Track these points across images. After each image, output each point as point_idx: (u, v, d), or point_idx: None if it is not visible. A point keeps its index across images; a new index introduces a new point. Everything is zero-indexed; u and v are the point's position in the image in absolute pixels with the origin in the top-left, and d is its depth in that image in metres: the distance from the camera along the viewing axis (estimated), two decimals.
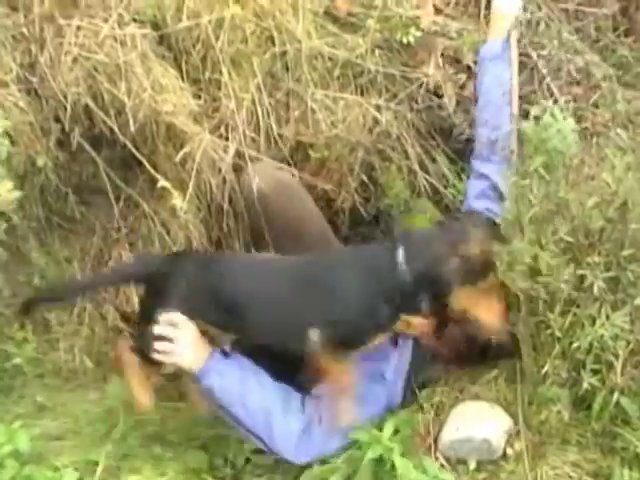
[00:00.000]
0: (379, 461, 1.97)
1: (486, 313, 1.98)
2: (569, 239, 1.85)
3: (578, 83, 2.68)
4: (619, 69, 2.75)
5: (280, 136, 2.55)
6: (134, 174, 2.47)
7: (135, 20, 2.40)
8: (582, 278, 1.86)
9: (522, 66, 2.58)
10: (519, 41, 2.56)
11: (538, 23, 2.59)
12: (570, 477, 1.93)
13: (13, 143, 2.17)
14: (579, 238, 1.87)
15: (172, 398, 2.37)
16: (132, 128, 2.30)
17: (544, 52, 2.62)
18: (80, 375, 2.35)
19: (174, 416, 2.28)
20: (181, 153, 2.37)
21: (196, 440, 2.23)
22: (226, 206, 2.49)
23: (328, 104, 2.59)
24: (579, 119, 2.42)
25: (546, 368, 1.88)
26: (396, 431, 2.00)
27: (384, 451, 1.96)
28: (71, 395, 2.25)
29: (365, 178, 2.68)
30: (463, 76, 2.65)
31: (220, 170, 2.44)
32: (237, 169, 2.49)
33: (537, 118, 2.26)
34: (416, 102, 2.68)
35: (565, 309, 1.86)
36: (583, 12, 2.74)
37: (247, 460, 2.21)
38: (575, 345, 1.84)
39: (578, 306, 1.87)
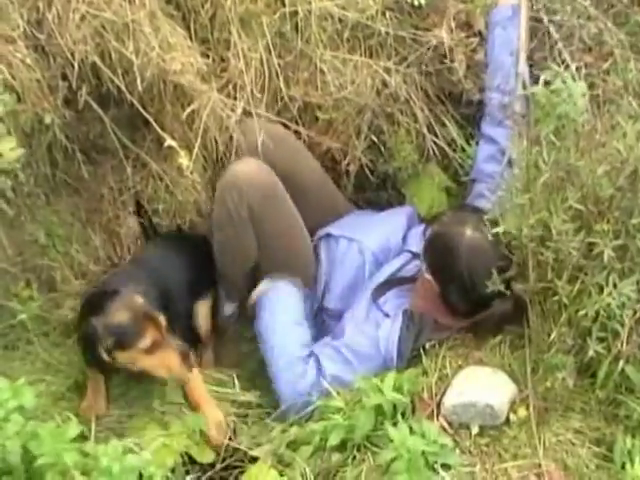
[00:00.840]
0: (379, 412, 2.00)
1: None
2: (579, 206, 1.83)
3: (590, 50, 2.65)
4: (632, 36, 2.72)
5: (288, 97, 2.53)
6: (141, 134, 2.45)
7: None
8: (591, 246, 1.85)
9: (534, 31, 2.56)
10: (531, 6, 2.53)
11: None
12: (573, 444, 1.93)
13: (20, 100, 2.15)
14: (588, 206, 1.86)
15: None
16: (139, 87, 2.27)
17: (556, 17, 2.59)
18: None
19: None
20: (188, 110, 2.36)
21: None
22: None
23: (337, 65, 2.58)
24: (590, 86, 2.38)
25: (552, 335, 1.87)
26: (398, 388, 2.01)
27: (384, 402, 1.98)
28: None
29: (374, 139, 2.66)
30: (474, 40, 2.63)
31: (227, 129, 2.42)
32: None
33: (548, 83, 2.25)
34: (426, 65, 2.67)
35: (573, 276, 1.86)
36: None
37: None
38: (582, 313, 1.84)
39: (586, 274, 1.86)
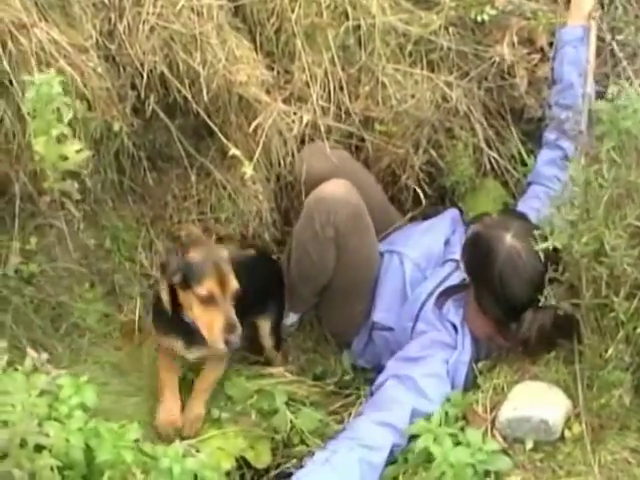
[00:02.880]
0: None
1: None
2: (637, 223, 1.83)
3: None
4: None
5: (350, 110, 2.57)
6: (206, 143, 2.51)
7: None
8: None
9: (598, 50, 2.55)
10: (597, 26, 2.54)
11: (616, 7, 2.56)
12: (629, 463, 1.92)
13: (90, 107, 2.22)
14: None
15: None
16: (205, 97, 2.34)
17: (620, 37, 2.59)
18: (146, 334, 2.41)
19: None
20: (254, 123, 2.41)
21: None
22: (293, 178, 2.53)
23: (398, 79, 2.61)
24: None
25: (610, 352, 1.87)
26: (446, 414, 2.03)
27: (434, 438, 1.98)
28: (137, 354, 2.31)
29: (432, 153, 2.68)
30: (536, 57, 2.64)
31: (289, 141, 2.47)
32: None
33: (612, 98, 2.25)
34: (487, 80, 2.68)
35: (630, 293, 1.85)
36: None
37: None
38: None
39: None
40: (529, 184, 2.51)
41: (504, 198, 2.75)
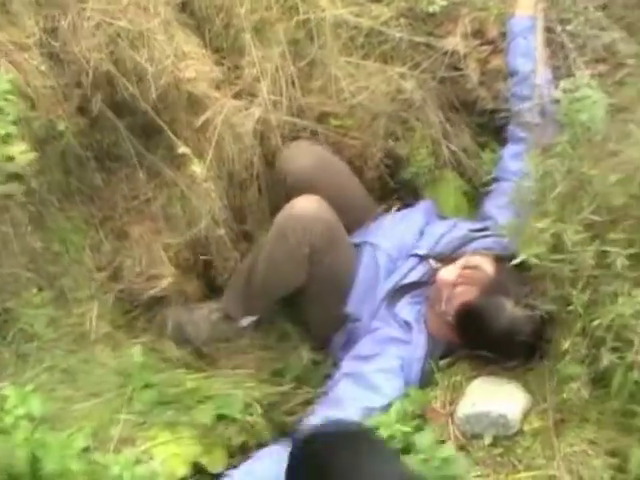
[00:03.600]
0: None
1: None
2: (593, 217, 1.82)
3: (604, 60, 2.64)
4: None
5: (303, 105, 2.53)
6: (155, 142, 2.45)
7: None
8: (604, 255, 1.84)
9: (548, 42, 2.54)
10: (545, 16, 2.52)
11: None
12: (587, 455, 1.91)
13: (34, 106, 2.16)
14: (602, 215, 1.84)
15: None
16: (153, 95, 2.28)
17: (570, 27, 2.58)
18: (95, 340, 2.35)
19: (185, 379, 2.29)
20: (203, 118, 2.36)
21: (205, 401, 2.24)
22: (247, 176, 2.48)
23: (351, 72, 2.58)
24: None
25: (566, 345, 1.86)
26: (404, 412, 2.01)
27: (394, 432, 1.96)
28: (86, 360, 2.26)
29: (390, 145, 2.65)
30: (488, 48, 2.62)
31: (242, 137, 2.42)
32: (265, 144, 2.50)
33: (566, 91, 2.24)
34: (440, 71, 2.65)
35: (587, 285, 1.84)
36: None
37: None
38: (596, 322, 1.82)
39: (600, 283, 1.85)
40: (496, 180, 2.47)
41: (463, 188, 2.73)
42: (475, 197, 2.70)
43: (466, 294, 2.09)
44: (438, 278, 2.18)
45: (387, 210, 2.70)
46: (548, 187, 1.91)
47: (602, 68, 2.63)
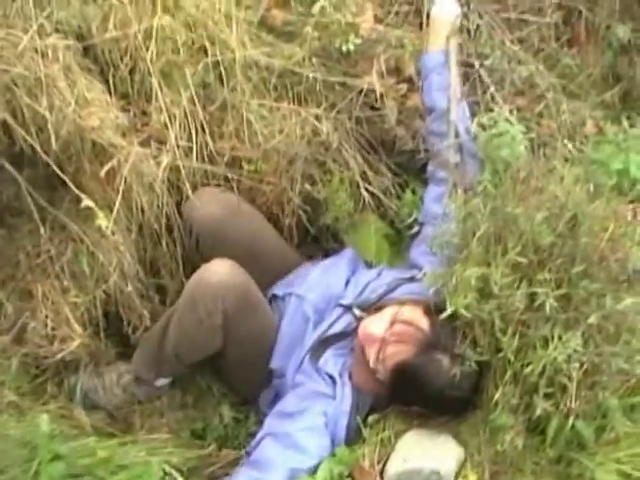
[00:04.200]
0: None
1: None
2: (519, 259, 1.75)
3: (522, 93, 2.62)
4: (563, 78, 2.70)
5: (215, 151, 2.42)
6: (59, 195, 2.30)
7: (58, 31, 2.25)
8: (533, 297, 1.76)
9: (465, 77, 2.50)
10: (461, 51, 2.47)
11: (480, 32, 2.51)
12: None
13: None
14: (529, 255, 1.77)
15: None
16: (54, 146, 2.14)
17: (487, 62, 2.54)
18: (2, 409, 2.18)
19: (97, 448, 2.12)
20: (107, 167, 2.22)
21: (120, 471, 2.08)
22: (158, 226, 2.35)
23: (264, 114, 2.48)
24: (525, 130, 2.34)
25: (497, 394, 1.77)
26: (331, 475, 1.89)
27: None
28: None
29: (308, 189, 2.55)
30: (404, 86, 2.56)
31: (151, 186, 2.30)
32: (176, 193, 2.38)
33: (484, 127, 2.19)
34: (356, 112, 2.58)
35: (517, 331, 1.76)
36: (525, 21, 2.69)
37: None
38: (527, 369, 1.74)
39: (529, 327, 1.77)
40: (421, 224, 2.38)
41: (384, 231, 2.64)
42: (397, 240, 2.62)
43: (400, 354, 1.98)
44: (364, 332, 2.07)
45: (309, 259, 2.59)
46: (471, 229, 1.84)
47: (521, 102, 2.61)
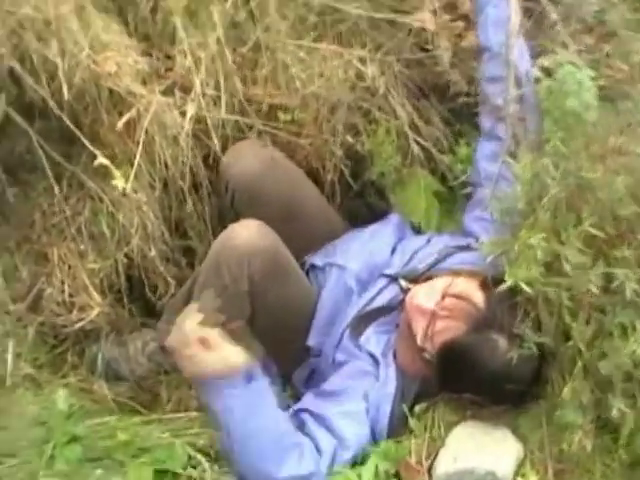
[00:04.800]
0: None
1: None
2: (595, 231, 1.49)
3: (591, 30, 2.30)
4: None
5: (247, 98, 2.17)
6: (75, 149, 2.08)
7: None
8: (610, 277, 1.50)
9: (527, 11, 2.19)
10: None
11: None
12: None
13: None
14: (606, 228, 1.51)
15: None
16: (67, 95, 1.92)
17: None
18: (13, 384, 2.01)
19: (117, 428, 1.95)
20: (125, 117, 2.00)
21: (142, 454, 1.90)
22: (184, 183, 2.13)
23: (303, 57, 2.21)
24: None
25: (565, 389, 1.53)
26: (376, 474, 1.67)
27: None
28: (2, 410, 1.92)
29: (351, 141, 2.29)
30: (460, 24, 2.27)
31: (176, 139, 2.06)
32: (203, 146, 2.14)
33: (548, 71, 1.91)
34: (406, 53, 2.30)
35: (590, 317, 1.51)
36: None
37: None
38: (602, 362, 1.49)
39: (604, 312, 1.52)
40: (474, 185, 2.10)
41: (435, 187, 2.38)
42: (449, 197, 2.35)
43: (451, 330, 1.74)
44: (412, 303, 1.83)
45: (353, 218, 2.34)
46: (537, 193, 1.57)
47: (589, 40, 2.31)
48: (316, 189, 2.26)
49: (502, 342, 1.67)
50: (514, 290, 1.60)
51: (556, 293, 1.53)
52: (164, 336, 2.11)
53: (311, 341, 2.06)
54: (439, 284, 1.81)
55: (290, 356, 2.10)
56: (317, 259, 2.17)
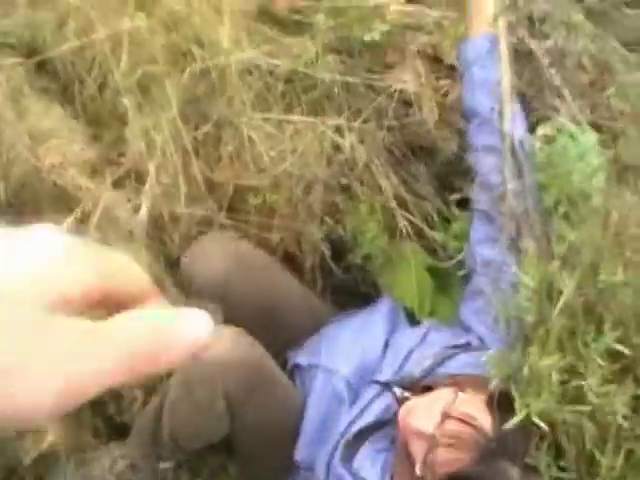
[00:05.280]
0: None
1: None
2: (621, 347, 1.24)
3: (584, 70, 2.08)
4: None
5: (210, 183, 1.93)
6: None
7: (1, 45, 1.78)
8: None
9: (520, 64, 1.95)
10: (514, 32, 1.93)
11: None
12: None
13: None
14: (633, 340, 1.26)
15: None
16: (1, 194, 1.68)
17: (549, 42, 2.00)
18: None
19: None
20: (71, 217, 1.76)
21: None
22: None
23: (271, 131, 1.97)
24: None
25: None
26: None
27: None
28: None
29: (330, 223, 2.04)
30: (446, 80, 2.04)
31: (131, 236, 1.82)
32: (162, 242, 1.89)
33: (548, 139, 1.69)
34: (387, 119, 2.06)
35: (618, 447, 1.26)
36: None
37: None
38: None
39: (638, 439, 1.27)
40: (469, 269, 1.86)
41: (427, 262, 2.12)
42: (443, 273, 2.10)
43: (454, 462, 1.48)
44: (408, 424, 1.57)
45: (338, 307, 2.09)
46: (548, 298, 1.33)
47: (584, 79, 2.09)
48: (293, 279, 2.01)
49: (515, 474, 1.41)
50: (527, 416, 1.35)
51: (576, 419, 1.28)
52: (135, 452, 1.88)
53: (299, 455, 1.81)
54: (439, 403, 1.55)
55: (275, 473, 1.84)
56: (301, 358, 1.92)
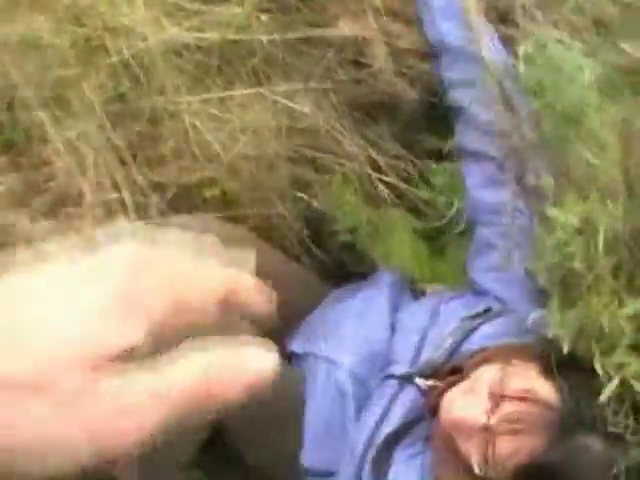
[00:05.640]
0: None
1: None
2: None
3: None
4: None
5: (155, 185, 1.68)
6: None
7: None
8: None
9: None
10: None
11: None
12: None
13: None
14: None
15: None
16: None
17: None
18: None
19: None
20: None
21: None
22: None
23: (214, 112, 1.72)
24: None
25: None
26: None
27: None
28: None
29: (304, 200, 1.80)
30: (397, 25, 1.80)
31: None
32: None
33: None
34: (339, 73, 1.82)
35: None
36: None
37: None
38: None
39: None
40: (469, 222, 1.63)
41: (414, 224, 1.88)
42: (435, 232, 1.86)
43: (525, 450, 1.24)
44: (450, 419, 1.33)
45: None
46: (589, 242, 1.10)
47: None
48: (276, 251, 1.76)
49: (597, 445, 1.18)
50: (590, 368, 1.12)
51: None
52: None
53: (307, 460, 1.56)
54: (482, 385, 1.31)
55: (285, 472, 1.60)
56: (296, 345, 1.67)
